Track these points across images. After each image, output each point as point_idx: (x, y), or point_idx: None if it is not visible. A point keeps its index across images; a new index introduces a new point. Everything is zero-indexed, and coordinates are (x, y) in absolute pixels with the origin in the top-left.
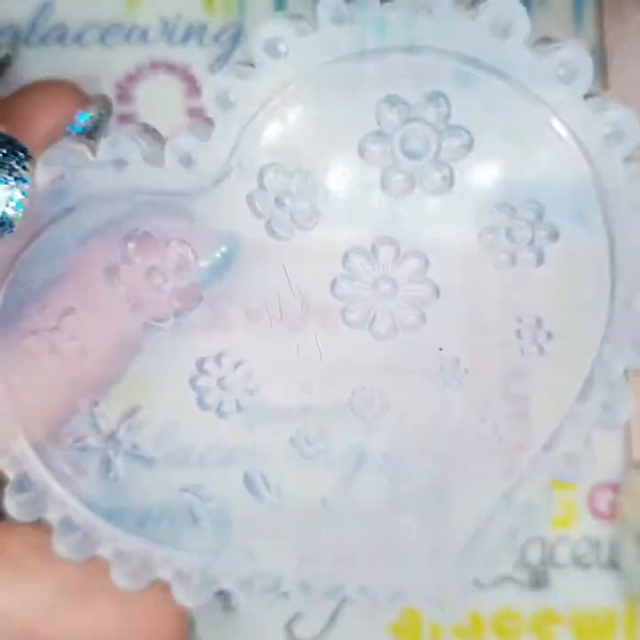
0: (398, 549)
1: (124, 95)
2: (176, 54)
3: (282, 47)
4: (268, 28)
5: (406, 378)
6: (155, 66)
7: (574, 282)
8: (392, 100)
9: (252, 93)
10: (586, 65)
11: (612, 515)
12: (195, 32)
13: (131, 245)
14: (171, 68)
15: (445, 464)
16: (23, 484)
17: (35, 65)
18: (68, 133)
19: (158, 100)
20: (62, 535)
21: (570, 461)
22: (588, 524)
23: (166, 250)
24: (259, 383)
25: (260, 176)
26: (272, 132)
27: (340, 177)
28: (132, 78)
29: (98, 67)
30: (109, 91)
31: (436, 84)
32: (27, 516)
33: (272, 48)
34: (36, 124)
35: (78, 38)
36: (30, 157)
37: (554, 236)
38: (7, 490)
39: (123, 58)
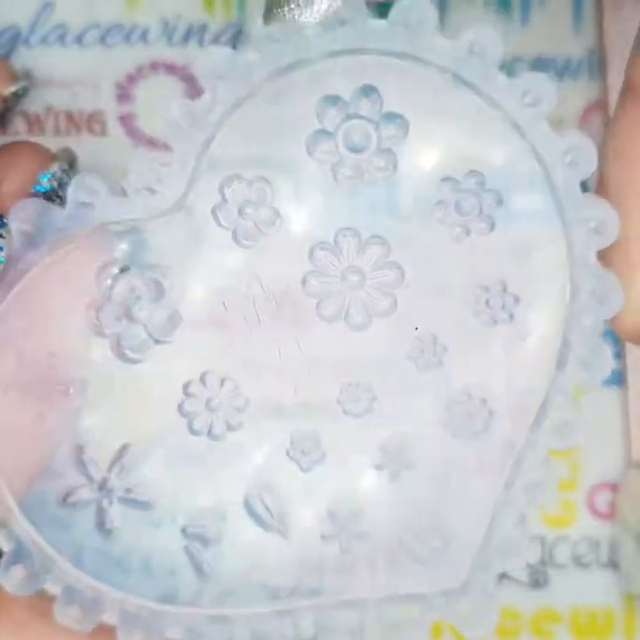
0: (414, 554)
1: (123, 95)
2: (176, 54)
3: (223, 70)
4: (207, 56)
5: (389, 366)
6: (155, 66)
7: (527, 241)
8: (330, 99)
9: (204, 115)
10: (495, 42)
11: (611, 515)
12: (195, 32)
13: (106, 281)
14: (171, 68)
15: (444, 451)
16: (18, 556)
17: (35, 65)
18: (35, 194)
19: (158, 100)
20: (64, 606)
21: (561, 429)
22: (588, 524)
23: (139, 280)
24: (247, 397)
25: (222, 189)
26: (228, 146)
27: (294, 178)
28: (131, 78)
29: (98, 67)
30: (109, 91)
31: (366, 79)
32: (24, 591)
33: (214, 73)
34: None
35: (78, 38)
36: (6, 224)
37: (499, 200)
38: (1, 565)
39: (123, 58)
